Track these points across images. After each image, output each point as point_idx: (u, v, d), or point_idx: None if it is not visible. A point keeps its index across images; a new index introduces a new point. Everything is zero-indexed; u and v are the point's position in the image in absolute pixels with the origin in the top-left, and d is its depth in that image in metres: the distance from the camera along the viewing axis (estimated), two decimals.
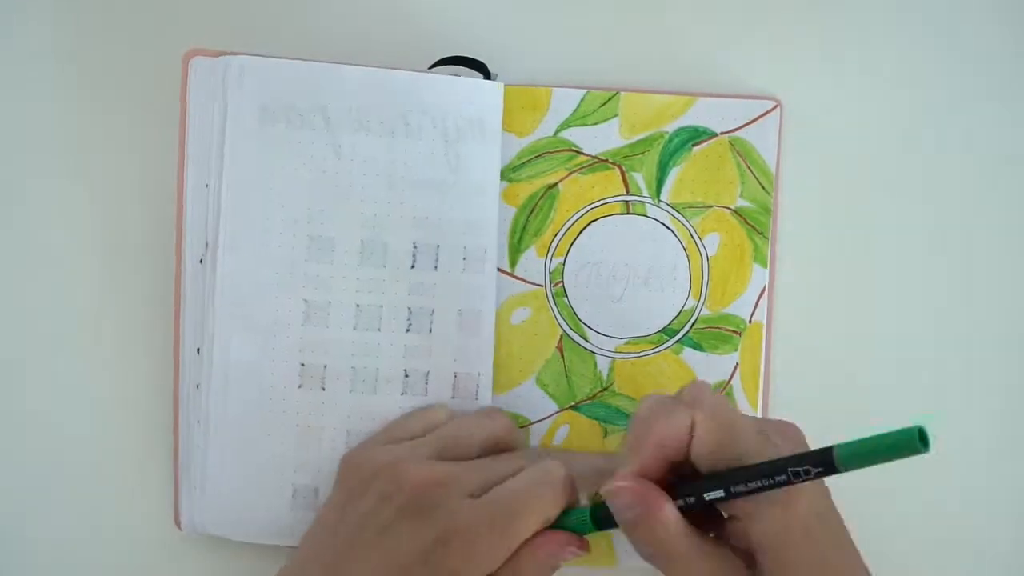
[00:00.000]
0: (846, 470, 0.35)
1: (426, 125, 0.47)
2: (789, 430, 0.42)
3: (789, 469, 0.36)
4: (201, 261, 0.47)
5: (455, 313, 0.47)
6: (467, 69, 0.48)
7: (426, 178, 0.47)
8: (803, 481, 0.36)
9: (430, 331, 0.47)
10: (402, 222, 0.47)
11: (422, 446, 0.44)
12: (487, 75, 0.48)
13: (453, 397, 0.47)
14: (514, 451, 0.46)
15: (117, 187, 0.49)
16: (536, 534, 0.41)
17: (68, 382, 0.49)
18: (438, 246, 0.47)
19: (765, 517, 0.38)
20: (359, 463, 0.44)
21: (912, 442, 0.32)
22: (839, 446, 0.35)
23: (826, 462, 0.35)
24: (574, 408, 0.49)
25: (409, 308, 0.47)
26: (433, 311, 0.47)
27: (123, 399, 0.49)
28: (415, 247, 0.47)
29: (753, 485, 0.37)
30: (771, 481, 0.36)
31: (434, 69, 0.48)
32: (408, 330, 0.47)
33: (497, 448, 0.45)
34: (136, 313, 0.49)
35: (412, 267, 0.47)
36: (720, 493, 0.38)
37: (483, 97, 0.48)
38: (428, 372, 0.47)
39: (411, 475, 0.42)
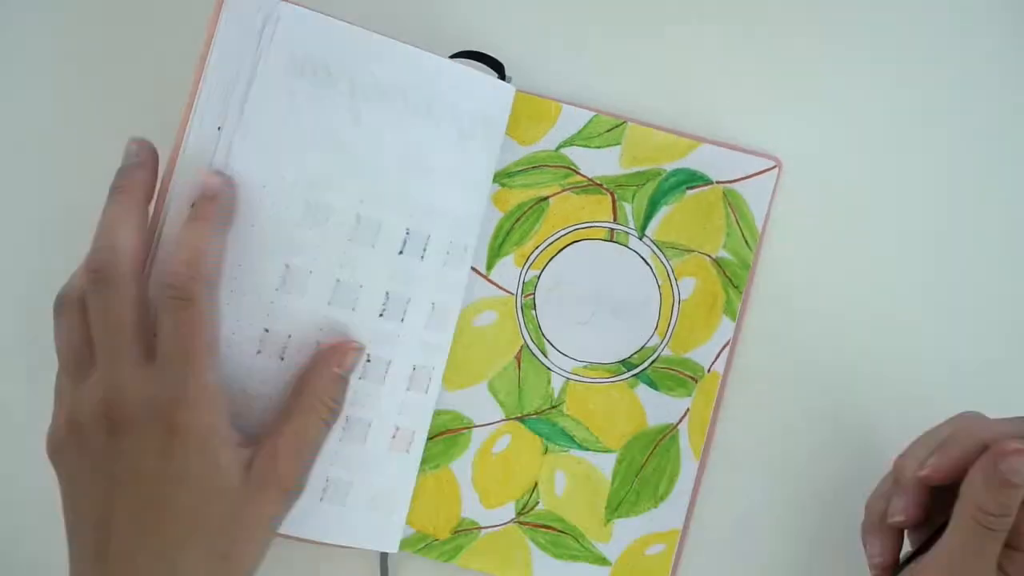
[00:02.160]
0: None
1: (446, 115, 0.46)
2: None
3: None
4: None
5: (429, 306, 0.47)
6: (483, 66, 0.48)
7: (435, 166, 0.46)
8: None
9: (402, 320, 0.46)
10: (401, 205, 0.45)
11: (69, 392, 0.41)
12: (503, 75, 0.49)
13: (408, 389, 0.47)
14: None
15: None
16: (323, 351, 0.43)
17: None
18: (429, 236, 0.46)
19: None
20: (54, 450, 0.41)
21: None
22: None
23: None
24: (520, 420, 0.49)
25: (387, 293, 0.45)
26: (409, 300, 0.46)
27: None
28: (407, 233, 0.46)
29: None
30: None
31: (453, 59, 0.48)
32: (381, 315, 0.46)
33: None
34: None
35: (400, 253, 0.46)
36: None
37: (497, 97, 0.47)
38: (391, 361, 0.46)
39: (81, 414, 0.40)
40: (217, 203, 0.42)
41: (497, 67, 0.49)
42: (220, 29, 0.43)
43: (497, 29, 0.49)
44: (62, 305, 0.42)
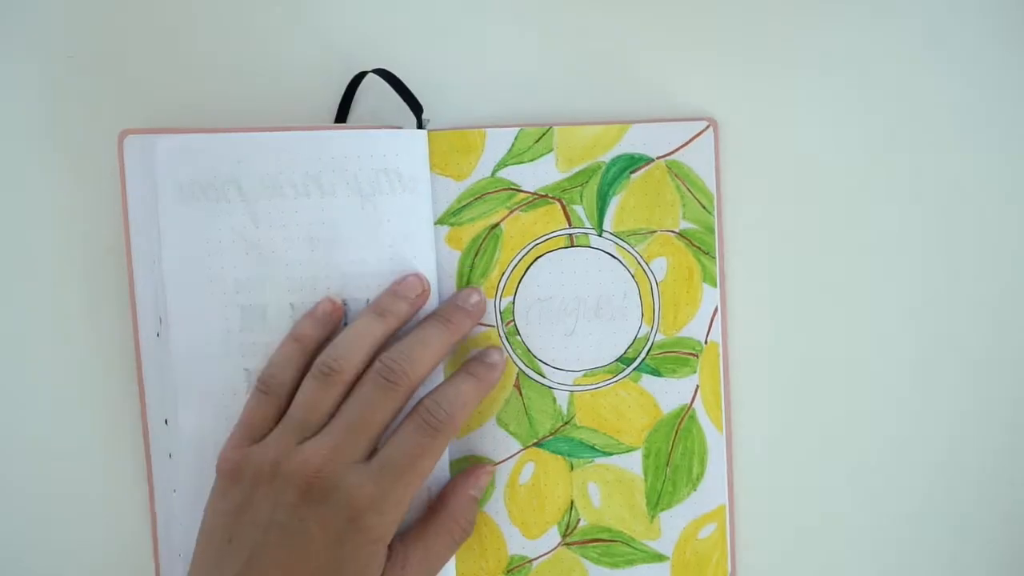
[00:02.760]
0: None
1: (339, 182, 0.46)
2: None
3: None
4: (158, 335, 0.47)
5: None
6: (389, 129, 0.48)
7: (347, 235, 0.47)
8: None
9: None
10: (329, 281, 0.47)
11: (286, 433, 0.44)
12: (418, 111, 0.48)
13: None
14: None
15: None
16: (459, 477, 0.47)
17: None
18: (367, 300, 0.47)
19: None
20: (235, 469, 0.44)
21: None
22: None
23: None
24: (538, 445, 0.49)
25: None
26: None
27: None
28: (346, 304, 0.47)
29: None
30: None
31: (352, 126, 0.48)
32: None
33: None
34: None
35: (345, 324, 0.47)
36: None
37: (397, 147, 0.47)
38: None
39: (295, 467, 0.42)
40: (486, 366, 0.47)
41: (416, 108, 0.48)
42: (127, 173, 0.47)
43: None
44: (336, 375, 0.44)
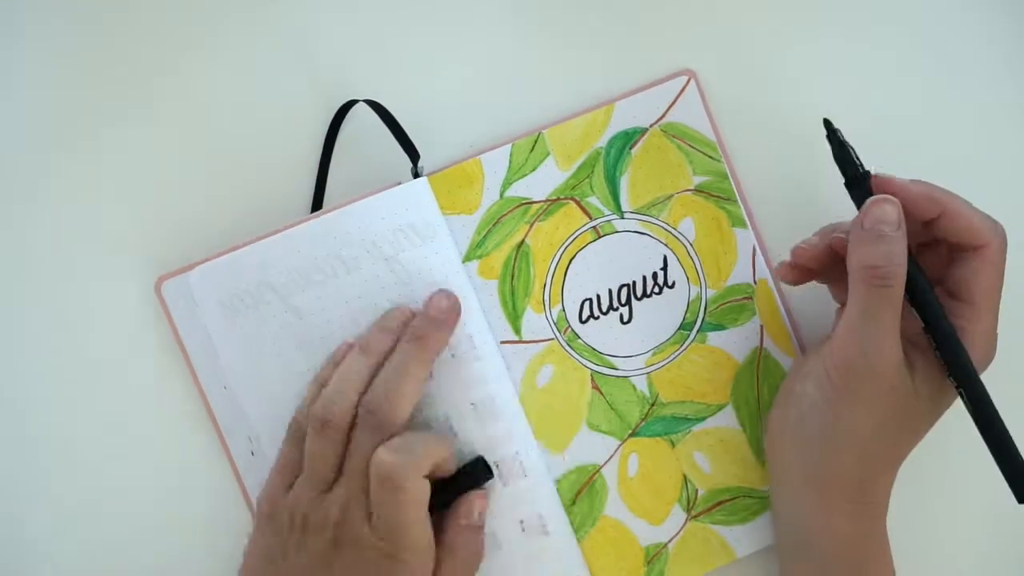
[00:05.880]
0: None
1: (360, 254, 0.47)
2: None
3: None
4: (252, 454, 0.48)
5: (469, 408, 0.47)
6: (390, 189, 0.48)
7: (385, 301, 0.47)
8: None
9: (456, 435, 0.47)
10: None
11: (309, 486, 0.45)
12: (415, 158, 0.48)
13: (505, 486, 0.48)
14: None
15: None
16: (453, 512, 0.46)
17: None
18: None
19: None
20: (270, 514, 0.45)
21: None
22: None
23: None
24: (634, 435, 0.49)
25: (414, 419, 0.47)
26: (447, 415, 0.47)
27: None
28: None
29: None
30: None
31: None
32: None
33: None
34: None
35: None
36: None
37: (404, 203, 0.48)
38: None
39: (320, 520, 0.44)
40: None
41: (412, 154, 0.48)
42: (172, 312, 0.48)
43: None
44: (330, 426, 0.44)
